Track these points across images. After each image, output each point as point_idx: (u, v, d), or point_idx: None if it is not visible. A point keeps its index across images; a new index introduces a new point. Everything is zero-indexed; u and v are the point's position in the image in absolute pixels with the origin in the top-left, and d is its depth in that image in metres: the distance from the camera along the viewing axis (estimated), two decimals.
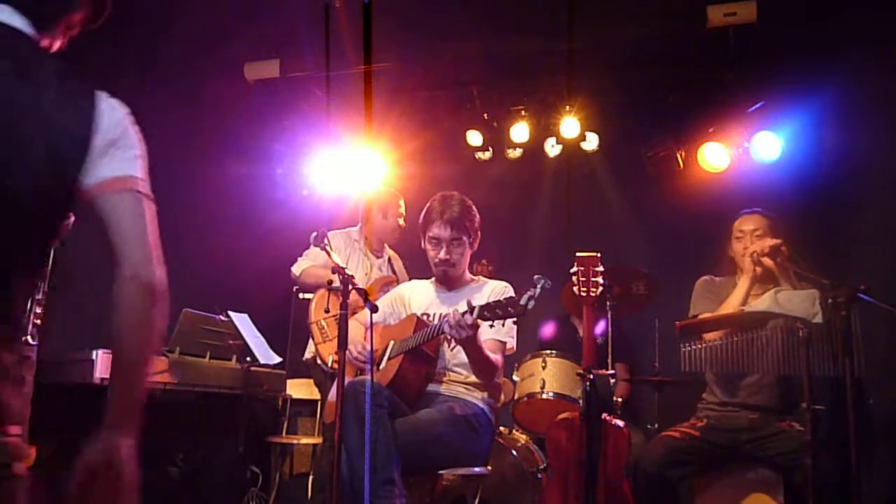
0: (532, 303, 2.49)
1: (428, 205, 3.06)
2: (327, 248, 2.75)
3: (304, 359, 4.08)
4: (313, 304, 3.92)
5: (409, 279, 4.02)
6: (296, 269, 4.03)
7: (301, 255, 4.09)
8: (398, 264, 4.22)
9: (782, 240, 3.14)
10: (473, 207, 3.07)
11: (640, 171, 5.04)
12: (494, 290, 3.00)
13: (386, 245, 4.23)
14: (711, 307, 3.20)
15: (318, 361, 3.82)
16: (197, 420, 4.08)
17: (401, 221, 4.15)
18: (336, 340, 3.78)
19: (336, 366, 3.71)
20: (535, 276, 2.51)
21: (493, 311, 2.56)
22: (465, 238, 3.00)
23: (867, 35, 4.00)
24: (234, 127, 5.12)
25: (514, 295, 2.65)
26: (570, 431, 2.91)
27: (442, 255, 2.99)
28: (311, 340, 3.94)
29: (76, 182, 1.30)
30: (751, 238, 3.27)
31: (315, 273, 3.93)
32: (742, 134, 4.67)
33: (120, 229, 1.34)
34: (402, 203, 4.18)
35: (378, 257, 4.16)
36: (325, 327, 3.83)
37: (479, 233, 3.08)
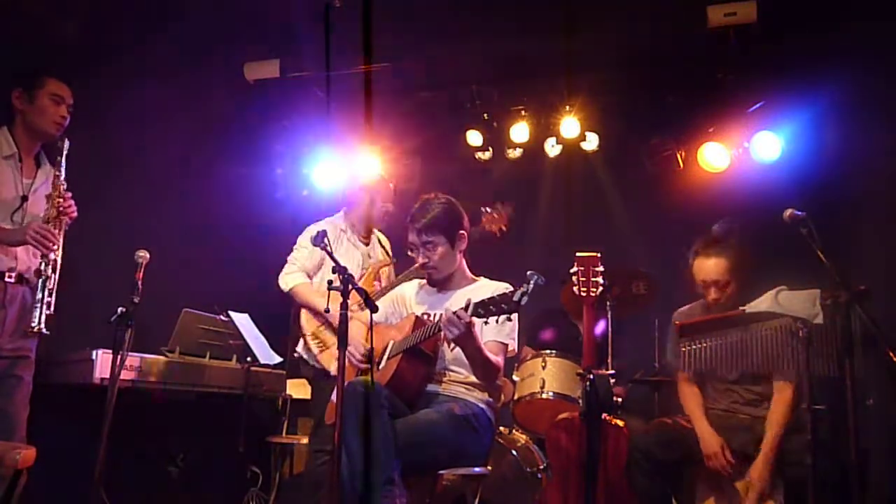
0: (525, 299, 2.49)
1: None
2: (328, 248, 2.75)
3: (295, 356, 3.93)
4: (303, 316, 3.80)
5: (395, 258, 4.01)
6: (283, 285, 3.81)
7: (287, 261, 3.88)
8: (388, 246, 4.15)
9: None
10: (453, 207, 3.02)
11: (640, 171, 5.04)
12: (495, 290, 2.99)
13: (375, 229, 4.15)
14: None
15: (318, 365, 3.76)
16: (197, 420, 4.08)
17: (390, 206, 4.04)
18: (333, 348, 3.80)
19: (336, 373, 3.73)
20: (528, 272, 2.50)
21: (486, 307, 2.56)
22: (440, 239, 2.96)
23: (867, 35, 4.00)
24: (234, 127, 5.12)
25: None
26: (570, 431, 2.92)
27: (420, 259, 3.01)
28: (301, 340, 3.84)
29: None
30: (716, 291, 3.21)
31: (305, 296, 3.75)
32: (742, 134, 4.67)
33: None
34: (391, 187, 4.10)
35: (366, 244, 4.06)
36: (320, 336, 3.77)
37: (463, 231, 3.03)
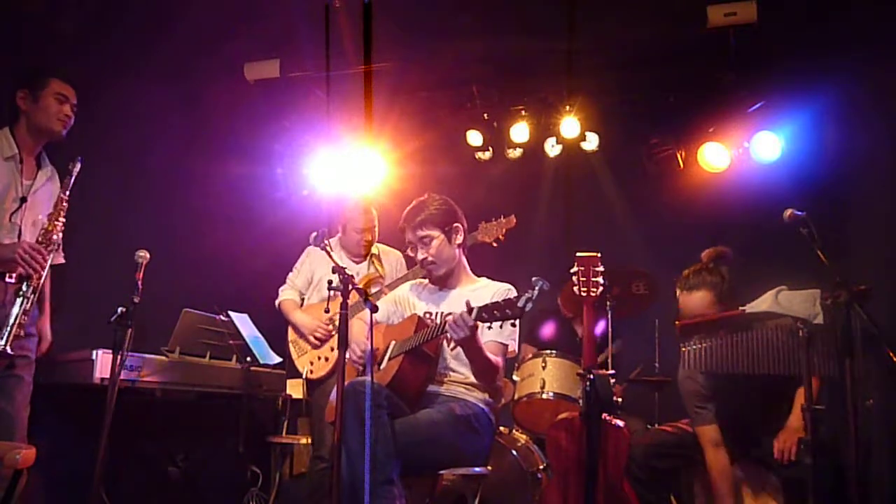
0: (530, 305, 2.49)
1: None
2: (327, 248, 2.76)
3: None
4: (289, 327, 4.10)
5: (406, 272, 4.01)
6: (277, 301, 4.14)
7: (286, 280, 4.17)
8: (389, 259, 4.18)
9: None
10: (445, 203, 3.04)
11: (640, 171, 5.04)
12: (497, 292, 2.98)
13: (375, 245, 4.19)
14: None
15: (297, 369, 4.01)
16: (197, 420, 4.08)
17: (367, 235, 4.09)
18: (309, 353, 3.95)
19: (311, 375, 3.86)
20: (534, 279, 2.50)
21: (490, 312, 2.55)
22: (434, 233, 2.97)
23: (867, 34, 4.00)
24: (234, 127, 5.12)
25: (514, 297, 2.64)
26: (570, 431, 2.91)
27: (419, 256, 3.01)
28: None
29: None
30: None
31: (286, 311, 4.06)
32: (742, 134, 4.67)
33: None
34: (372, 213, 4.13)
35: (358, 263, 4.12)
36: (298, 344, 4.04)
37: (457, 224, 3.02)
